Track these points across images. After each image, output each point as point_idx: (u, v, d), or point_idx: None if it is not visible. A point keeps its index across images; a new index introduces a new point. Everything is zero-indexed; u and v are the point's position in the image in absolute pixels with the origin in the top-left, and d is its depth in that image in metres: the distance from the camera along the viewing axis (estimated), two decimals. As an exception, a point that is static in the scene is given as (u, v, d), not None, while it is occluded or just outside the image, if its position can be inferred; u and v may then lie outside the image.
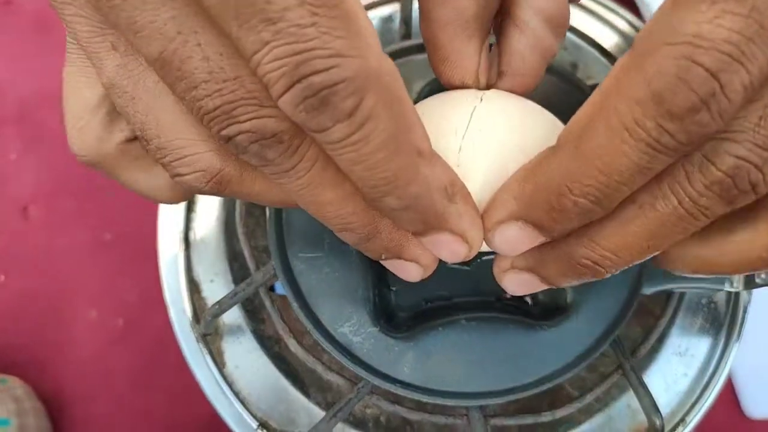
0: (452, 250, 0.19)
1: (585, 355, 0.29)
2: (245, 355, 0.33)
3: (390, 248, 0.20)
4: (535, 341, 0.29)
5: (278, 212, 0.31)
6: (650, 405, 0.28)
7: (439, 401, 0.28)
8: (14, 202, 0.75)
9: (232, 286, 0.34)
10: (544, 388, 0.28)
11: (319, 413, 0.32)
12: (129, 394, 0.73)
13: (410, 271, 0.20)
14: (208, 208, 0.35)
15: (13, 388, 0.62)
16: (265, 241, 0.36)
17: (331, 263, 0.30)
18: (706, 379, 0.32)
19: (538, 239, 0.18)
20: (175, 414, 0.71)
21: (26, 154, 0.77)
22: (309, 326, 0.29)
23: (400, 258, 0.20)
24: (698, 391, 0.32)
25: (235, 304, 0.31)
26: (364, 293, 0.30)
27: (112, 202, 0.77)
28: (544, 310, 0.30)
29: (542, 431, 0.33)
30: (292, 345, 0.30)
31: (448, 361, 0.28)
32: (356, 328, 0.29)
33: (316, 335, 0.29)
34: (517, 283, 0.21)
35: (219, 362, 0.33)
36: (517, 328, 0.29)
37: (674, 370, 0.33)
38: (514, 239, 0.19)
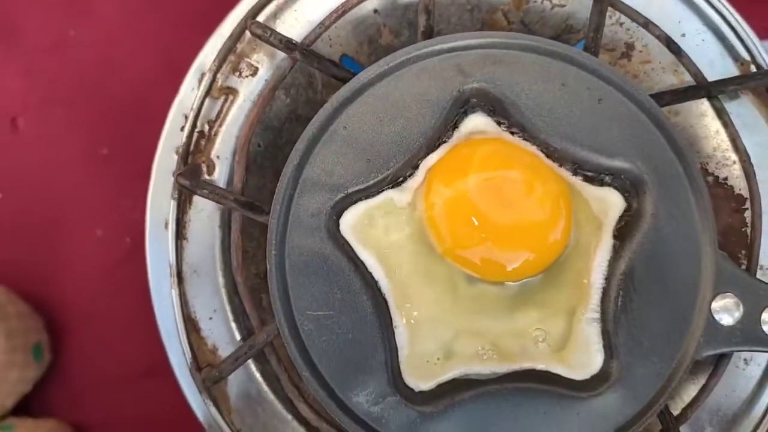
0: None
1: (626, 426, 0.26)
2: (253, 399, 0.31)
3: None
4: (571, 414, 0.26)
5: (281, 264, 0.27)
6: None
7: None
8: (1, 113, 0.69)
9: (232, 323, 0.31)
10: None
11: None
12: (141, 313, 0.72)
13: None
14: (200, 237, 0.31)
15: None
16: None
17: (343, 322, 0.27)
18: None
19: None
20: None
21: (8, 59, 0.70)
22: (322, 397, 0.27)
23: None
24: None
25: (236, 368, 0.28)
26: (381, 357, 0.27)
27: (105, 113, 0.71)
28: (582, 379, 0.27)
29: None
30: (303, 410, 0.28)
31: (476, 440, 0.26)
32: (373, 398, 0.27)
33: (331, 407, 0.27)
34: None
35: (224, 409, 0.30)
36: (552, 399, 0.26)
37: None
38: None
